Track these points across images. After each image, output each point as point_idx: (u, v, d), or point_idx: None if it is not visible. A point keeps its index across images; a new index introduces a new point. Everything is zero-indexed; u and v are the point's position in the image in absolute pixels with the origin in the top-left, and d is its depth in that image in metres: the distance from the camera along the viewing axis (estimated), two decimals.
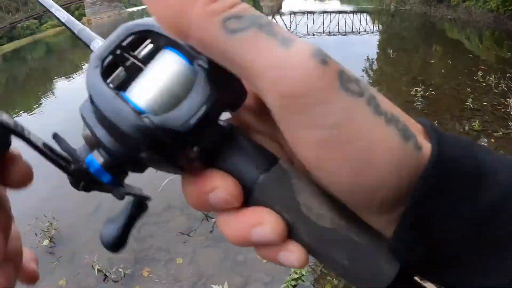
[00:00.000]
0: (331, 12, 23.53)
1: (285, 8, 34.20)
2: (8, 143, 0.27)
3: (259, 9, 38.48)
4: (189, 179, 0.27)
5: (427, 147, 0.23)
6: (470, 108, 6.73)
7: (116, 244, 0.29)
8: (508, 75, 8.60)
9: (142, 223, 3.11)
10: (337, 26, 19.56)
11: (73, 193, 0.33)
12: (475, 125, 5.95)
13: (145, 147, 0.24)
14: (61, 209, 4.84)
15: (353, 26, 19.62)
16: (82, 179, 0.28)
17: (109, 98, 0.24)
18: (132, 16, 47.38)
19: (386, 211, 0.24)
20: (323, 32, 18.19)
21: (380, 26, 22.01)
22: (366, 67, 10.91)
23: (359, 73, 9.92)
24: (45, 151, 0.27)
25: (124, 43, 0.27)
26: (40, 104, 11.61)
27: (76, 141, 0.30)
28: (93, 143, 0.27)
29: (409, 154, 0.22)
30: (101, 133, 0.25)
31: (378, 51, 14.38)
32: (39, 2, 0.40)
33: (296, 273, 3.23)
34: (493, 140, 5.62)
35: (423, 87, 7.49)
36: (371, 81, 9.60)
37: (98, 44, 0.35)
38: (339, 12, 24.38)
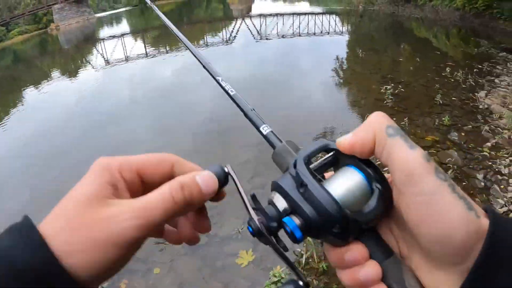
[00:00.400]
0: (300, 14, 23.47)
1: (254, 10, 34.12)
2: (226, 182, 0.44)
3: (229, 12, 38.37)
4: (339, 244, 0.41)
5: (484, 217, 0.35)
6: (439, 103, 6.68)
7: None
8: (475, 70, 8.64)
9: None
10: (306, 28, 19.53)
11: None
12: (445, 120, 5.88)
13: (339, 225, 0.38)
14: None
15: (323, 27, 19.62)
16: (268, 232, 0.41)
17: (319, 188, 0.38)
18: (100, 21, 46.61)
19: (457, 261, 0.35)
20: (293, 33, 18.10)
21: (349, 26, 22.09)
22: (336, 67, 10.80)
23: (330, 73, 9.84)
24: (249, 200, 0.44)
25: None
26: (9, 113, 11.03)
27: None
28: (286, 210, 0.41)
29: (471, 218, 0.34)
30: (307, 208, 0.38)
31: (347, 51, 14.39)
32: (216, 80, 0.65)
33: (275, 276, 3.21)
34: (463, 134, 5.56)
35: (392, 85, 7.41)
36: (341, 80, 9.49)
37: (267, 129, 0.51)
38: (309, 13, 24.36)
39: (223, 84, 0.62)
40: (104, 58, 17.27)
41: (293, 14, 23.81)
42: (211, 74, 0.66)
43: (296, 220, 0.39)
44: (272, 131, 0.50)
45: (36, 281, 0.30)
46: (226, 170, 0.44)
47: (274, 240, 0.42)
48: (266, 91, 8.55)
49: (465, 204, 0.34)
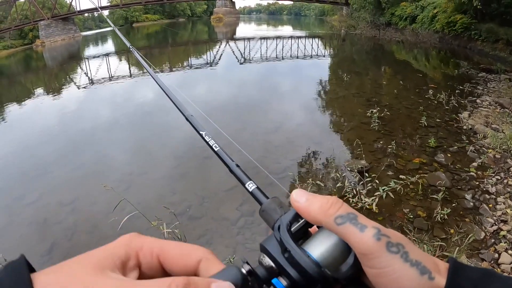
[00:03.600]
0: (284, 37, 23.78)
1: (239, 33, 34.48)
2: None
3: (214, 34, 38.74)
4: None
5: (440, 278, 0.37)
6: (424, 125, 6.73)
7: None
8: (457, 91, 8.79)
9: None
10: (290, 51, 19.76)
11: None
12: (431, 142, 5.91)
13: (321, 285, 0.40)
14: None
15: (306, 51, 19.89)
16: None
17: (300, 253, 0.41)
18: (86, 40, 46.51)
19: None
20: (276, 57, 18.29)
21: (332, 50, 22.41)
22: (319, 90, 10.86)
23: (313, 96, 9.89)
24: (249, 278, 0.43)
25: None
26: None
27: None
28: (274, 271, 0.43)
29: (424, 282, 0.37)
30: (292, 271, 0.41)
31: (330, 74, 14.55)
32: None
33: None
34: (449, 155, 5.59)
35: (378, 108, 7.43)
36: (324, 104, 9.53)
37: (252, 186, 0.54)
38: (292, 37, 24.68)
39: (207, 139, 0.65)
40: (88, 77, 17.14)
41: (277, 37, 24.11)
42: (195, 128, 0.70)
43: (283, 282, 0.42)
44: (257, 187, 0.54)
45: None
46: (243, 271, 0.42)
47: None
48: (249, 115, 8.52)
49: (418, 270, 0.37)
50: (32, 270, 0.32)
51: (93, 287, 0.32)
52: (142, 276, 0.37)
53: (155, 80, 0.97)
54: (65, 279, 0.32)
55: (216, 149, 0.62)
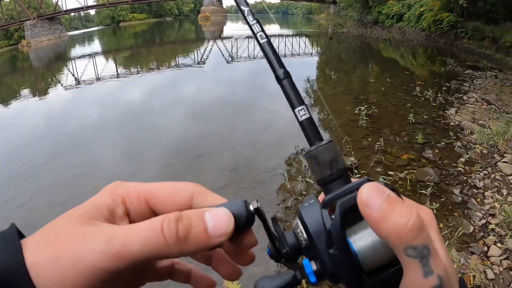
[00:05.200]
0: (271, 36, 23.80)
1: (226, 32, 34.44)
2: (251, 224, 0.38)
3: (201, 33, 38.63)
4: None
5: None
6: (412, 122, 6.78)
7: None
8: (444, 88, 8.86)
9: None
10: (277, 49, 19.77)
11: None
12: (418, 138, 5.95)
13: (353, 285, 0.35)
14: None
15: (293, 49, 19.92)
16: (285, 258, 0.39)
17: (348, 259, 0.35)
18: (72, 40, 46.02)
19: None
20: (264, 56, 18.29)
21: (319, 48, 22.49)
22: (307, 88, 10.89)
23: (301, 94, 9.91)
24: (272, 226, 0.39)
25: None
26: None
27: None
28: (307, 252, 0.38)
29: None
30: (329, 266, 0.35)
31: (317, 72, 14.59)
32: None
33: None
34: (437, 151, 5.63)
35: (366, 105, 7.47)
36: (313, 101, 9.56)
37: (304, 113, 0.40)
38: (279, 35, 24.73)
39: (250, 19, 0.44)
40: (75, 77, 16.94)
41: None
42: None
43: (314, 266, 0.37)
44: (310, 118, 0.41)
45: (4, 284, 0.29)
46: (251, 208, 0.37)
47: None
48: (237, 114, 8.51)
49: None
50: (23, 237, 0.32)
51: (83, 238, 0.31)
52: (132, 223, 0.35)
53: None
54: (54, 236, 0.32)
55: (261, 41, 0.43)
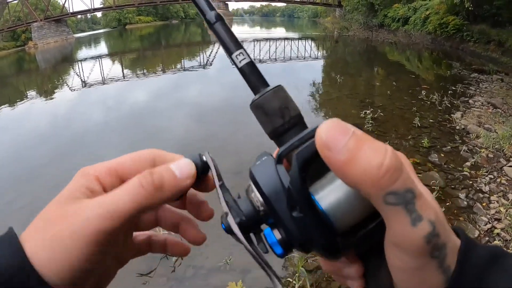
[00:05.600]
0: (277, 39, 23.81)
1: None
2: (206, 172, 0.40)
3: (207, 36, 38.73)
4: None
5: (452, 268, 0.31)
6: (418, 126, 6.75)
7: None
8: (449, 92, 8.83)
9: None
10: (283, 52, 19.79)
11: None
12: (424, 142, 5.93)
13: (326, 246, 0.32)
14: None
15: (299, 52, 19.93)
16: (246, 228, 0.35)
17: (315, 221, 0.31)
18: (79, 42, 46.27)
19: None
20: (270, 58, 18.30)
21: (325, 51, 22.47)
22: (312, 92, 10.89)
23: (306, 98, 9.90)
24: (221, 189, 0.38)
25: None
26: None
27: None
28: (266, 212, 0.34)
29: (439, 276, 0.30)
30: (296, 233, 0.32)
31: (323, 75, 14.58)
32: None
33: None
34: (442, 155, 5.61)
35: (371, 109, 7.47)
36: (318, 105, 9.55)
37: (243, 57, 0.37)
38: (285, 38, 24.73)
39: None
40: (81, 79, 17.02)
41: (270, 39, 24.13)
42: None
43: (278, 235, 0.33)
44: (251, 63, 0.38)
45: (11, 283, 0.30)
46: (204, 158, 0.40)
47: (246, 241, 0.34)
48: (240, 117, 8.51)
49: (446, 276, 0.31)
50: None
51: (77, 212, 0.34)
52: None
53: None
54: (50, 220, 0.34)
55: None
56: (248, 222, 0.34)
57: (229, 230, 0.35)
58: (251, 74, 0.37)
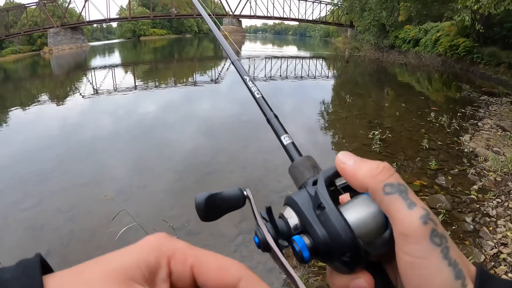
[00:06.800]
0: (288, 57, 23.96)
1: (244, 52, 34.76)
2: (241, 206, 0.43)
3: (219, 51, 39.08)
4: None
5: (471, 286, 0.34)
6: (426, 148, 6.75)
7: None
8: (459, 114, 8.83)
9: None
10: (294, 71, 19.90)
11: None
12: (432, 164, 5.92)
13: (350, 254, 0.37)
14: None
15: (309, 71, 20.03)
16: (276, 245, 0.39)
17: (337, 213, 0.38)
18: (93, 50, 46.84)
19: None
20: (281, 76, 18.41)
21: (335, 71, 22.55)
22: (321, 111, 10.93)
23: (316, 117, 9.94)
24: (265, 216, 0.41)
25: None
26: None
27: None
28: (297, 228, 0.40)
29: (446, 269, 0.34)
30: (321, 230, 0.38)
31: (333, 95, 14.60)
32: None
33: None
34: (450, 178, 5.59)
35: (380, 130, 7.49)
36: (327, 124, 9.57)
37: (288, 139, 0.53)
38: (296, 57, 24.88)
39: (250, 84, 0.63)
40: (93, 86, 17.23)
41: (281, 57, 24.28)
42: (238, 72, 0.68)
43: (306, 240, 0.38)
44: (293, 143, 0.52)
45: None
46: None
47: (281, 253, 0.38)
48: (249, 133, 8.53)
49: (454, 272, 0.34)
50: (46, 269, 0.29)
51: None
52: None
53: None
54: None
55: (257, 97, 0.61)
56: (283, 236, 0.40)
57: (262, 246, 0.39)
58: (291, 150, 0.51)
